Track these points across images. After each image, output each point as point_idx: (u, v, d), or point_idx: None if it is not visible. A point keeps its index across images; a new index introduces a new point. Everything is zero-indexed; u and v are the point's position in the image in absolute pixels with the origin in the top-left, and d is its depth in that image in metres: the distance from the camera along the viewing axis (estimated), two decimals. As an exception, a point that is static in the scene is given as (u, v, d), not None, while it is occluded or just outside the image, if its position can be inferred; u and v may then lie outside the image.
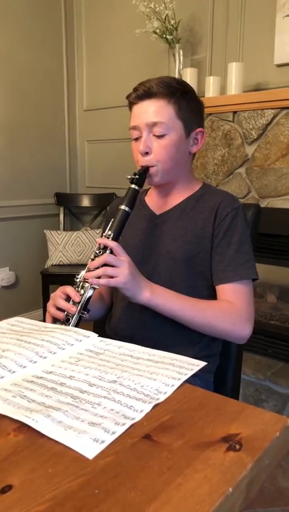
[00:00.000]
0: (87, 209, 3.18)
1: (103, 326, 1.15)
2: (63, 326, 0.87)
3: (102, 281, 0.90)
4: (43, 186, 3.03)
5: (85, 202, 3.09)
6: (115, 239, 0.95)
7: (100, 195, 3.02)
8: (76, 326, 0.92)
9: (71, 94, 3.15)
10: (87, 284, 0.93)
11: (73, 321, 0.92)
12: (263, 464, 0.49)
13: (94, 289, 0.93)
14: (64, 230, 3.04)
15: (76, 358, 0.71)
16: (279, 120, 2.04)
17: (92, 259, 0.93)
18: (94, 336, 0.80)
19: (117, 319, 1.08)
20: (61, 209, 3.08)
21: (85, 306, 0.93)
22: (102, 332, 1.05)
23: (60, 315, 0.93)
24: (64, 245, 2.84)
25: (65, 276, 2.60)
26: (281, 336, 2.13)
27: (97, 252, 0.94)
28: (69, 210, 3.17)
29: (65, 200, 3.10)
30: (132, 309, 1.03)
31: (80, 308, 0.93)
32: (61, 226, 3.06)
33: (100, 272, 0.90)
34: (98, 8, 2.94)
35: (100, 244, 0.94)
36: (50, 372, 0.66)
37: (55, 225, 3.06)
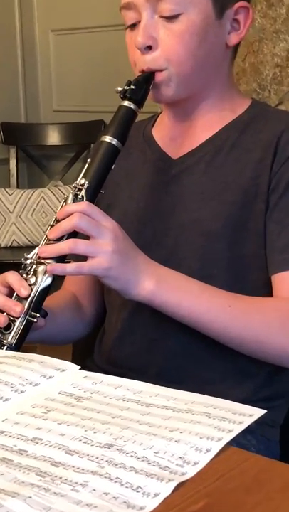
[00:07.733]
0: (58, 150, 2.37)
1: (89, 352, 0.95)
2: (21, 354, 0.70)
3: (70, 267, 0.70)
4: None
5: (53, 138, 2.30)
6: (93, 193, 0.73)
7: (78, 124, 2.22)
8: (23, 336, 0.72)
9: None
10: (41, 268, 0.72)
11: (16, 328, 0.71)
12: None
13: (53, 276, 0.73)
14: (18, 187, 2.29)
15: (44, 408, 0.56)
16: None
17: (52, 226, 0.72)
18: (74, 368, 0.63)
19: (116, 339, 0.86)
20: (12, 151, 2.28)
21: (39, 304, 0.72)
22: (89, 362, 0.88)
23: (0, 318, 0.72)
24: (18, 214, 2.15)
25: (18, 265, 1.93)
26: None
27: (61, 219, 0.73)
28: (25, 152, 2.36)
29: (19, 136, 2.32)
30: (141, 321, 0.81)
31: (29, 308, 0.71)
32: (13, 180, 2.28)
33: (65, 247, 0.69)
34: None
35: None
36: (1, 433, 0.52)
37: (3, 180, 2.29)
